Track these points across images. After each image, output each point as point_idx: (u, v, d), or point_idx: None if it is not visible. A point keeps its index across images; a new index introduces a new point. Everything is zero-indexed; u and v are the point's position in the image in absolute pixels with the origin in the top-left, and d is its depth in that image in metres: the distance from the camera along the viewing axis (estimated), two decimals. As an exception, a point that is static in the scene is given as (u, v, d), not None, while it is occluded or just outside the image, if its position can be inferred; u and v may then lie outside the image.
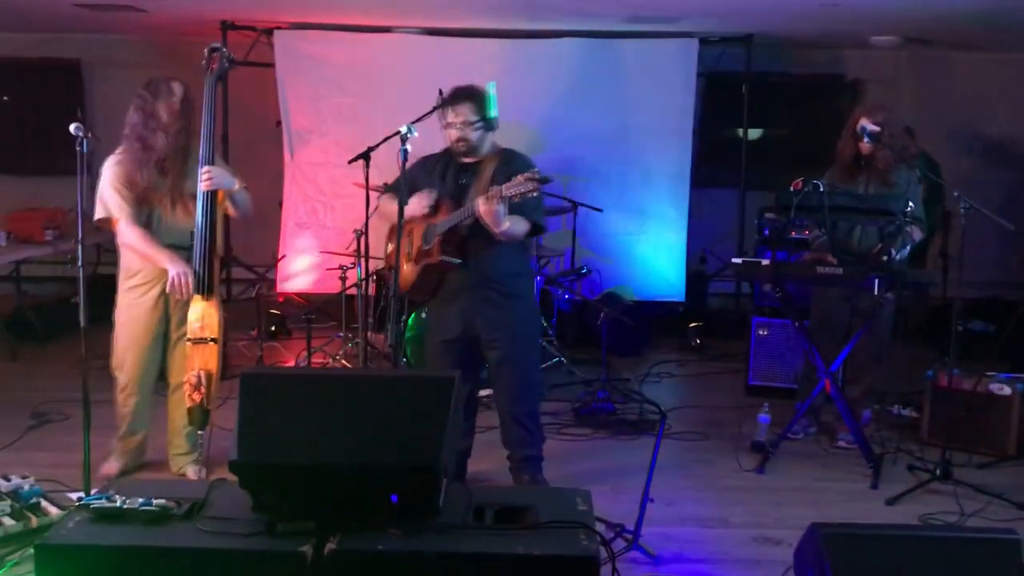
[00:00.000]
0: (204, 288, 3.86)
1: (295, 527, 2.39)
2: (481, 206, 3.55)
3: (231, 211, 4.09)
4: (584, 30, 6.99)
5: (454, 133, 3.79)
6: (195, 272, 3.86)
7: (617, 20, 6.65)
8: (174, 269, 3.85)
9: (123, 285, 4.03)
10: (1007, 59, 7.95)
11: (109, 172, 3.91)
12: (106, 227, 3.97)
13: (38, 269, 7.36)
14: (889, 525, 3.55)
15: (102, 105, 7.92)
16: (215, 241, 3.89)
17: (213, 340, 3.87)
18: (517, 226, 3.70)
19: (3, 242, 6.21)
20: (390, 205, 3.92)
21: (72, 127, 3.57)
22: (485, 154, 3.84)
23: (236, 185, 3.96)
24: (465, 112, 3.76)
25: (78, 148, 3.56)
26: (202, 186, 3.81)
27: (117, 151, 3.94)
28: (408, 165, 3.72)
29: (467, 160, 3.85)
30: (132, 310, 4.00)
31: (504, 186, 3.51)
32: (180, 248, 3.91)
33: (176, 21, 7.11)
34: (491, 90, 3.83)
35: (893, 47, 7.54)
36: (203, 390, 3.84)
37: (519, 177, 3.47)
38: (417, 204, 3.82)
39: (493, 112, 3.80)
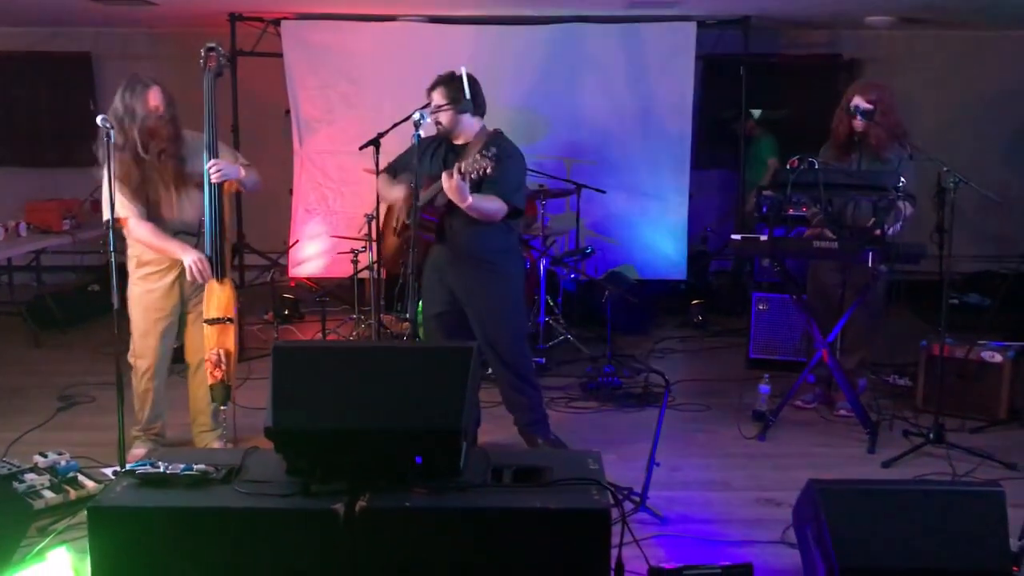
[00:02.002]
0: (217, 271, 4.04)
1: (327, 488, 2.57)
2: (445, 182, 3.76)
3: (241, 189, 4.28)
4: (585, 15, 7.13)
5: (432, 117, 4.04)
6: (208, 257, 4.02)
7: (617, 5, 6.79)
8: (188, 257, 4.01)
9: (135, 274, 4.16)
10: (999, 36, 8.09)
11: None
12: (117, 226, 4.11)
13: (56, 259, 7.55)
14: (882, 480, 3.74)
15: (112, 96, 8.05)
16: (224, 226, 4.05)
17: (229, 320, 4.05)
18: (486, 204, 3.88)
19: (23, 232, 6.39)
20: (386, 188, 4.25)
21: (99, 119, 3.72)
22: (474, 136, 4.06)
23: (241, 173, 4.11)
24: (437, 97, 4.03)
25: (105, 139, 3.71)
26: (212, 179, 3.97)
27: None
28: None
29: (457, 142, 4.08)
30: (147, 296, 4.14)
31: (464, 163, 3.73)
32: (188, 235, 4.07)
33: (185, 13, 7.26)
34: (463, 74, 4.03)
35: (888, 27, 7.67)
36: (223, 367, 4.03)
37: (476, 154, 3.70)
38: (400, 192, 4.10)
39: (467, 95, 4.00)
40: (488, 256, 4.06)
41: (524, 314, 4.34)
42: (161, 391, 4.30)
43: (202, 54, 4.06)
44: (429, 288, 4.19)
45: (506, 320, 4.16)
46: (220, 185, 4.02)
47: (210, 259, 4.03)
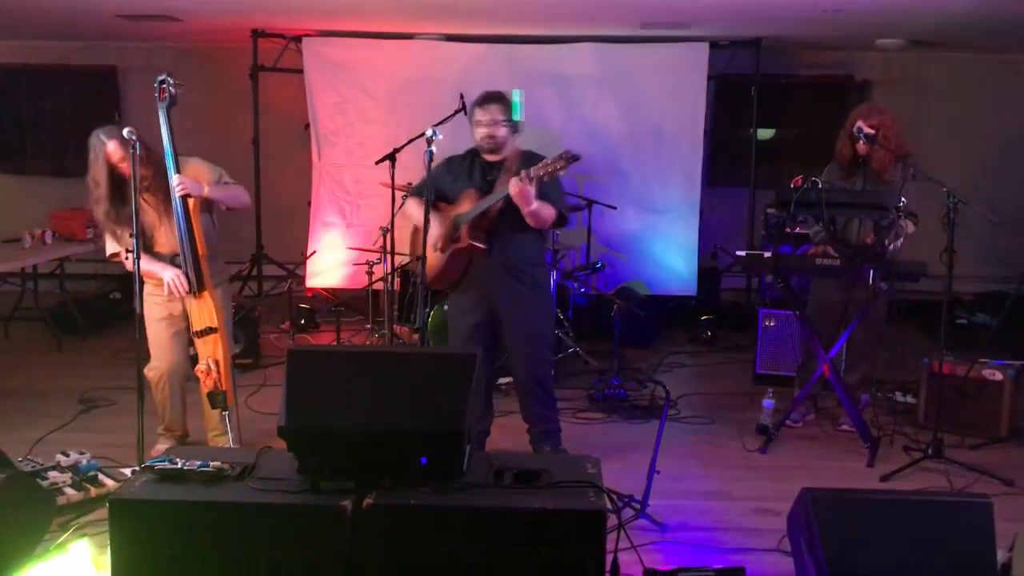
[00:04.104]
0: (195, 286, 4.21)
1: (336, 485, 2.69)
2: (514, 187, 3.90)
3: (223, 207, 4.40)
4: (599, 35, 7.26)
5: (483, 130, 4.14)
6: (185, 274, 4.19)
7: (630, 26, 6.93)
8: (167, 275, 4.21)
9: (146, 288, 4.34)
10: (1009, 60, 8.17)
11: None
12: (116, 260, 4.33)
13: (79, 266, 7.74)
14: (874, 490, 3.82)
15: (136, 110, 8.29)
16: (196, 243, 4.19)
17: (213, 330, 4.24)
18: (545, 210, 4.06)
19: (49, 240, 6.57)
20: (414, 208, 4.30)
21: (125, 131, 3.89)
22: (508, 153, 4.19)
23: (204, 190, 4.20)
24: (494, 111, 4.13)
25: (131, 150, 3.88)
26: (176, 193, 4.11)
27: None
28: (433, 165, 4.06)
29: (492, 158, 4.19)
30: (155, 309, 4.35)
31: (535, 167, 3.89)
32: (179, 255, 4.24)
33: (209, 29, 7.45)
34: (517, 96, 4.22)
35: (899, 49, 7.77)
36: (214, 375, 4.22)
37: (548, 158, 3.87)
38: (466, 205, 4.16)
39: (518, 116, 4.20)
40: (528, 268, 4.22)
41: (553, 327, 4.45)
42: (177, 397, 4.48)
43: (155, 87, 4.13)
44: (466, 299, 4.27)
45: (541, 332, 4.34)
46: (186, 204, 4.14)
47: (186, 275, 4.18)
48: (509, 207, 4.01)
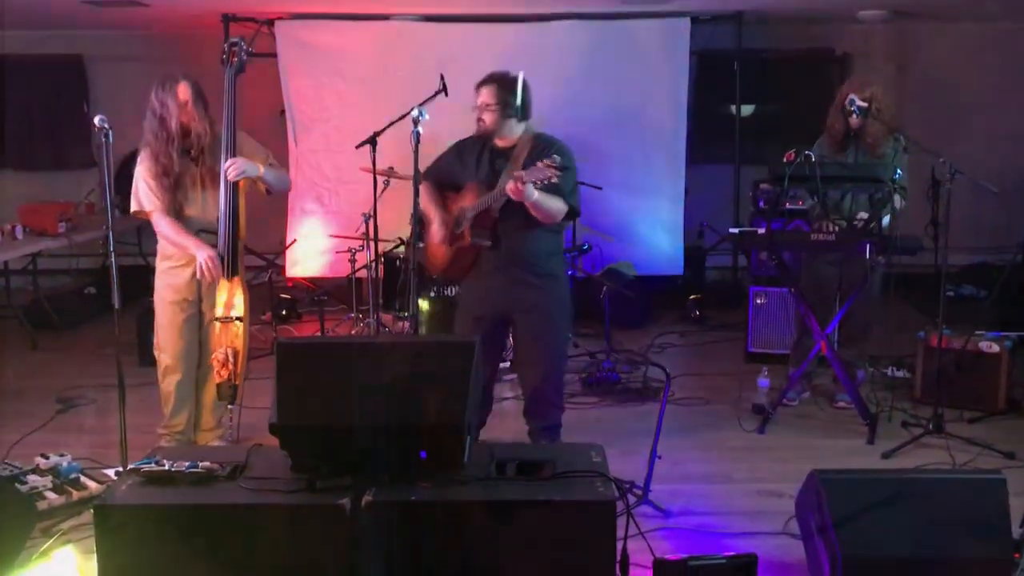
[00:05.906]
0: (229, 270, 4.06)
1: (333, 483, 2.58)
2: (509, 186, 3.67)
3: (264, 188, 4.26)
4: (578, 12, 7.14)
5: (476, 115, 3.95)
6: (220, 256, 4.04)
7: (611, 2, 6.80)
8: (201, 255, 4.03)
9: (160, 267, 4.20)
10: (991, 29, 8.11)
11: (140, 167, 4.08)
12: (140, 218, 4.17)
13: (52, 262, 7.53)
14: (884, 469, 3.76)
15: (106, 99, 8.07)
16: (239, 225, 4.08)
17: (239, 319, 4.08)
18: (550, 202, 3.79)
19: (19, 235, 6.37)
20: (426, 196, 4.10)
21: (97, 119, 3.72)
22: (518, 139, 3.96)
23: (260, 170, 4.11)
24: (485, 94, 3.93)
25: (103, 139, 3.72)
26: (229, 177, 3.99)
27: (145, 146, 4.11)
28: (445, 149, 3.94)
29: (501, 145, 3.97)
30: (168, 291, 4.17)
31: (526, 172, 3.64)
32: (210, 233, 4.08)
33: (178, 15, 7.25)
34: (520, 79, 3.96)
35: (880, 20, 7.69)
36: (230, 366, 4.05)
37: (539, 163, 3.61)
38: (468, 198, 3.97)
39: (518, 99, 3.93)
40: (538, 258, 3.97)
41: (570, 326, 4.20)
42: (185, 387, 4.25)
43: (225, 49, 4.06)
44: (473, 291, 4.08)
45: (557, 335, 4.10)
46: (236, 184, 4.03)
47: (222, 257, 4.05)
48: (512, 202, 3.76)
